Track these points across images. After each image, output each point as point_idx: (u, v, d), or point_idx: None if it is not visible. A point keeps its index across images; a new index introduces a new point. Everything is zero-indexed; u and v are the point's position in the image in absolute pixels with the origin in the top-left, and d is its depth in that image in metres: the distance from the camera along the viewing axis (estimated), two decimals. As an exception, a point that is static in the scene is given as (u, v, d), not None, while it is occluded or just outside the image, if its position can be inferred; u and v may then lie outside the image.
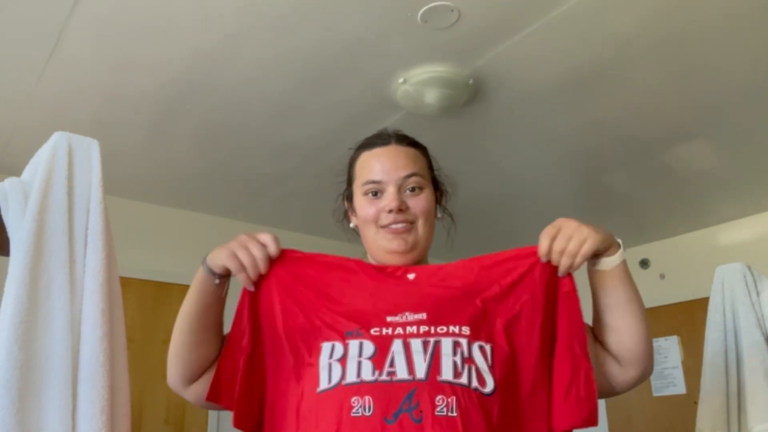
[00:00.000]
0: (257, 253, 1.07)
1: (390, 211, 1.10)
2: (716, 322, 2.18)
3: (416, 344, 0.93)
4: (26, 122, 2.72)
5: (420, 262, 1.15)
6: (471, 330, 0.95)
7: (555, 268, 1.00)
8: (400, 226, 1.10)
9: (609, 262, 1.01)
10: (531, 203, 3.89)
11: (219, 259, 1.05)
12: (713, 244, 4.34)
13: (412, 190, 1.12)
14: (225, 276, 1.05)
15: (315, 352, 0.98)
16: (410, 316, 0.97)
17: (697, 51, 2.41)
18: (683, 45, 2.37)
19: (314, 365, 0.96)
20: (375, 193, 1.12)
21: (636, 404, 4.59)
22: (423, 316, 0.97)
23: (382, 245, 1.12)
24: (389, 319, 0.97)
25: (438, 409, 0.87)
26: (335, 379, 0.93)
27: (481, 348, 0.94)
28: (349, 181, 1.22)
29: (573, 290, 1.00)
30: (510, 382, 0.94)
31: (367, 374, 0.91)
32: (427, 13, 2.13)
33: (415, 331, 0.95)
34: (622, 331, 1.03)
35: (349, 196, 1.22)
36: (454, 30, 2.23)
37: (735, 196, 3.92)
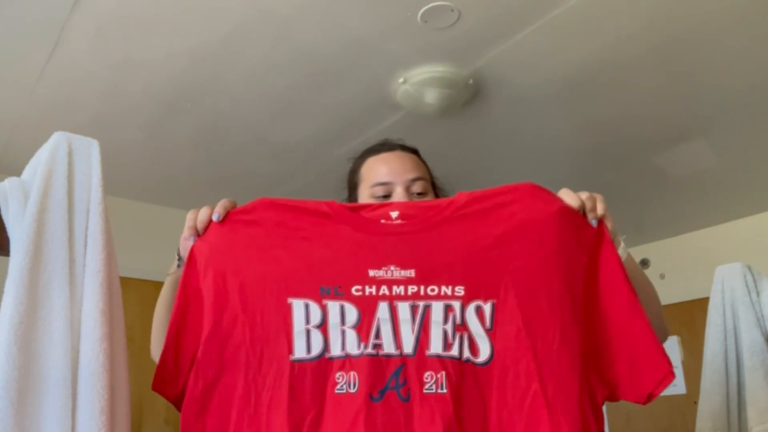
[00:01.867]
0: (201, 215, 1.06)
1: None
2: (716, 322, 2.17)
3: (404, 310, 0.86)
4: (26, 122, 2.72)
5: None
6: (466, 289, 0.87)
7: (574, 214, 0.93)
8: None
9: (622, 250, 1.00)
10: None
11: (182, 243, 1.08)
12: (713, 244, 4.34)
13: (419, 194, 1.15)
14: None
15: (282, 309, 0.88)
16: (396, 272, 0.88)
17: (696, 51, 2.41)
18: (683, 45, 2.37)
19: (283, 326, 0.87)
20: (383, 196, 1.14)
21: (636, 404, 4.59)
22: (411, 273, 0.88)
23: None
24: (372, 273, 0.88)
25: (427, 386, 0.83)
26: (316, 350, 0.86)
27: (478, 309, 0.87)
28: (352, 188, 1.25)
29: (605, 236, 0.94)
30: (518, 344, 0.86)
31: (353, 347, 0.85)
32: (427, 13, 2.13)
33: (402, 293, 0.87)
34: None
35: (353, 201, 1.24)
36: (454, 30, 2.23)
37: (735, 196, 3.91)
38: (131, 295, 3.42)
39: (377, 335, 0.86)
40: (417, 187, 1.15)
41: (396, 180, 1.15)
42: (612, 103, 2.77)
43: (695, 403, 2.22)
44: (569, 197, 0.95)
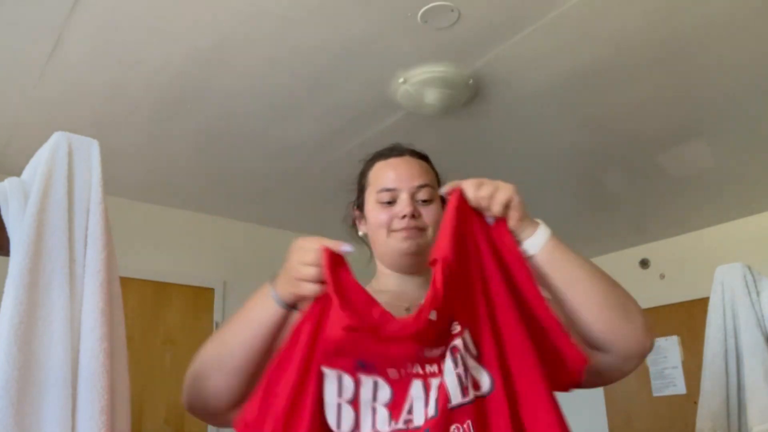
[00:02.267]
0: (313, 276, 0.95)
1: (403, 217, 1.12)
2: (716, 322, 2.18)
3: (434, 383, 0.85)
4: (26, 122, 2.72)
5: (425, 269, 1.15)
6: (460, 323, 0.88)
7: (468, 211, 0.97)
8: (413, 231, 1.13)
9: (534, 243, 0.98)
10: (530, 203, 3.88)
11: (285, 290, 1.00)
12: (713, 244, 4.34)
13: (424, 201, 1.15)
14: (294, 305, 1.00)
15: (313, 374, 0.86)
16: (428, 353, 0.86)
17: (696, 51, 2.41)
18: (683, 45, 2.37)
19: (313, 392, 0.85)
20: (389, 202, 1.15)
21: (636, 404, 4.59)
22: (440, 350, 0.87)
23: (394, 247, 1.14)
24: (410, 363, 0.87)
25: None
26: (346, 427, 0.84)
27: (464, 342, 0.86)
28: (361, 190, 1.25)
29: (503, 233, 0.96)
30: (498, 358, 0.86)
31: (383, 425, 0.84)
32: (427, 13, 2.13)
33: (436, 371, 0.86)
34: (584, 312, 0.95)
35: (359, 205, 1.24)
36: (454, 30, 2.23)
37: (735, 196, 3.92)
38: (131, 295, 3.42)
39: (409, 411, 0.85)
40: (422, 195, 1.15)
41: (401, 186, 1.15)
42: (612, 103, 2.77)
43: (695, 403, 2.22)
44: (468, 191, 0.98)
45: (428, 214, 1.15)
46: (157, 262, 3.63)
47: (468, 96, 2.63)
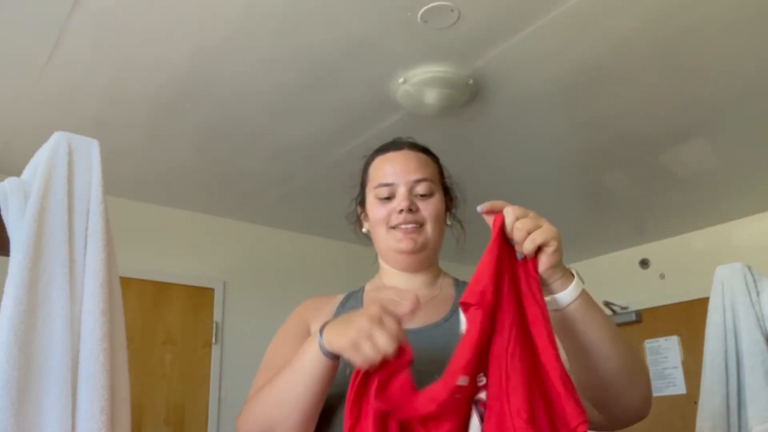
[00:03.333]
0: (381, 349, 0.87)
1: (400, 211, 1.11)
2: (716, 322, 2.17)
3: None
4: (26, 122, 2.72)
5: (429, 266, 1.17)
6: (485, 374, 0.83)
7: (502, 244, 0.89)
8: (410, 226, 1.12)
9: (564, 297, 0.88)
10: (531, 203, 3.88)
11: (339, 345, 0.90)
12: (713, 244, 4.34)
13: (423, 195, 1.14)
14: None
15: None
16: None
17: (697, 51, 2.41)
18: (683, 45, 2.37)
19: None
20: (387, 198, 1.14)
21: (636, 404, 4.59)
22: None
23: (391, 245, 1.14)
24: None
25: None
26: None
27: (476, 403, 0.82)
28: (363, 186, 1.24)
29: (530, 274, 0.87)
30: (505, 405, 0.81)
31: None
32: (427, 13, 2.13)
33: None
34: (598, 372, 0.90)
35: (362, 201, 1.24)
36: (454, 30, 2.23)
37: (735, 196, 3.92)
38: (131, 295, 3.42)
39: None
40: (421, 189, 1.14)
41: (399, 181, 1.14)
42: (612, 103, 2.77)
43: (695, 403, 2.22)
44: (507, 217, 0.89)
45: (427, 208, 1.14)
46: (157, 262, 3.63)
47: (468, 96, 2.63)
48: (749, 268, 2.20)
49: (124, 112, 2.69)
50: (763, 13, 2.20)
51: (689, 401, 4.24)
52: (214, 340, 3.66)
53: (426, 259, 1.16)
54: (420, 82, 2.51)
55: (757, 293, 2.14)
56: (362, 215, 1.25)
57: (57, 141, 1.08)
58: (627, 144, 3.17)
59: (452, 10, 2.12)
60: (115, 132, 2.84)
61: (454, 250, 1.31)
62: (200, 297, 3.72)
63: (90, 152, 1.11)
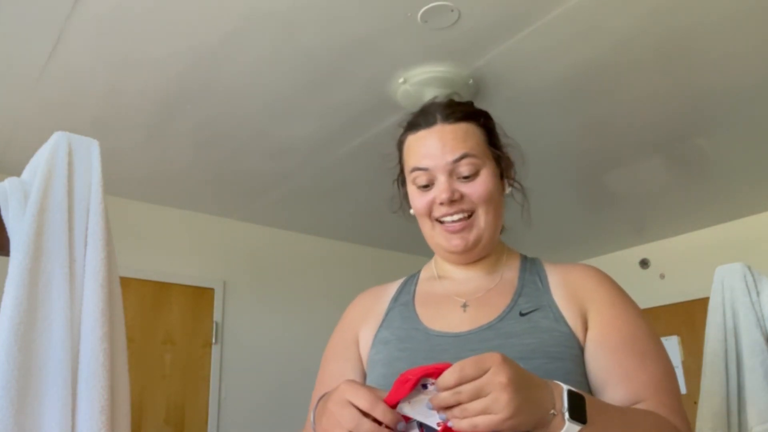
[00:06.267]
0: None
1: (442, 204, 0.97)
2: (716, 322, 2.17)
3: None
4: (26, 122, 2.72)
5: (488, 254, 1.04)
6: None
7: None
8: (456, 218, 0.98)
9: None
10: (531, 203, 3.89)
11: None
12: (713, 244, 4.34)
13: (466, 177, 0.98)
14: None
15: None
16: None
17: (696, 52, 2.41)
18: (683, 46, 2.37)
19: None
20: (426, 185, 0.99)
21: (636, 404, 4.60)
22: None
23: (440, 244, 1.01)
24: None
25: None
26: None
27: None
28: (401, 168, 1.09)
29: None
30: None
31: None
32: (427, 13, 2.13)
33: None
34: None
35: (403, 181, 1.08)
36: (454, 30, 2.24)
37: (735, 196, 3.92)
38: (131, 295, 3.42)
39: None
40: (463, 169, 0.97)
41: (435, 165, 0.97)
42: (612, 102, 2.77)
43: (695, 403, 2.22)
44: (440, 382, 0.71)
45: (474, 190, 0.98)
46: (157, 262, 3.63)
47: (468, 96, 2.63)
48: (749, 268, 2.20)
49: (123, 113, 2.69)
50: (763, 13, 2.20)
51: (689, 401, 4.23)
52: (214, 340, 3.66)
53: (483, 250, 1.02)
54: (420, 82, 2.51)
55: (757, 293, 2.13)
56: (405, 197, 1.09)
57: (57, 141, 1.08)
58: (627, 144, 3.17)
59: (452, 10, 2.13)
60: (115, 132, 2.84)
61: (519, 224, 1.14)
62: (200, 297, 3.73)
63: (90, 152, 1.12)
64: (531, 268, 1.05)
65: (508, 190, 1.08)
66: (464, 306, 0.99)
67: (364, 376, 1.01)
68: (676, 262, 4.53)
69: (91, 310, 1.00)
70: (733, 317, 2.14)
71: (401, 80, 2.53)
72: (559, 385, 0.75)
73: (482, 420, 0.68)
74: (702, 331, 2.23)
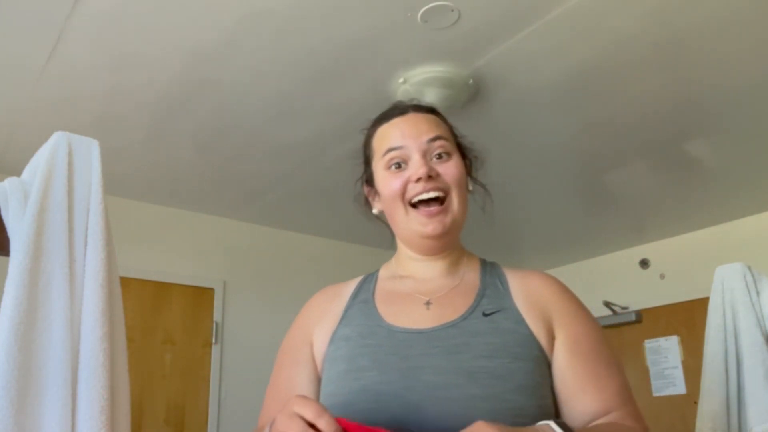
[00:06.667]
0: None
1: (418, 180, 0.97)
2: (716, 322, 2.17)
3: None
4: (26, 122, 2.72)
5: (454, 246, 1.05)
6: None
7: None
8: (432, 196, 0.97)
9: None
10: (531, 203, 3.90)
11: None
12: (713, 244, 4.34)
13: (440, 156, 1.00)
14: None
15: None
16: None
17: (696, 51, 2.41)
18: (683, 45, 2.37)
19: None
20: (399, 165, 0.99)
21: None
22: None
23: (415, 230, 1.00)
24: None
25: None
26: None
27: None
28: (367, 162, 1.10)
29: None
30: None
31: None
32: (427, 13, 2.13)
33: None
34: None
35: (368, 179, 1.10)
36: (454, 30, 2.24)
37: (735, 196, 3.92)
38: (131, 295, 3.42)
39: None
40: (437, 148, 1.00)
41: (410, 144, 0.99)
42: (612, 103, 2.77)
43: (695, 403, 2.22)
44: None
45: (448, 171, 1.00)
46: (157, 262, 3.63)
47: (468, 96, 2.63)
48: (749, 268, 2.20)
49: (124, 113, 2.69)
50: (763, 14, 2.20)
51: (689, 401, 4.24)
52: (214, 340, 3.66)
53: (452, 238, 1.03)
54: (420, 82, 2.51)
55: (757, 293, 2.13)
56: (370, 195, 1.10)
57: (57, 141, 1.08)
58: (627, 144, 3.17)
59: (452, 10, 2.13)
60: (115, 132, 2.84)
61: (478, 226, 1.18)
62: (200, 297, 3.72)
63: (90, 152, 1.12)
64: (491, 271, 1.06)
65: (471, 186, 1.09)
66: (427, 304, 0.99)
67: (318, 379, 1.00)
68: (676, 262, 4.53)
69: (91, 310, 1.00)
70: (733, 317, 2.14)
71: (401, 80, 2.53)
72: (546, 424, 0.78)
73: None
74: (702, 331, 2.23)
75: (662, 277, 4.60)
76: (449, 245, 1.04)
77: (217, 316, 3.73)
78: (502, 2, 2.10)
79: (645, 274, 4.70)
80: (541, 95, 2.69)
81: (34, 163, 1.09)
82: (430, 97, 2.56)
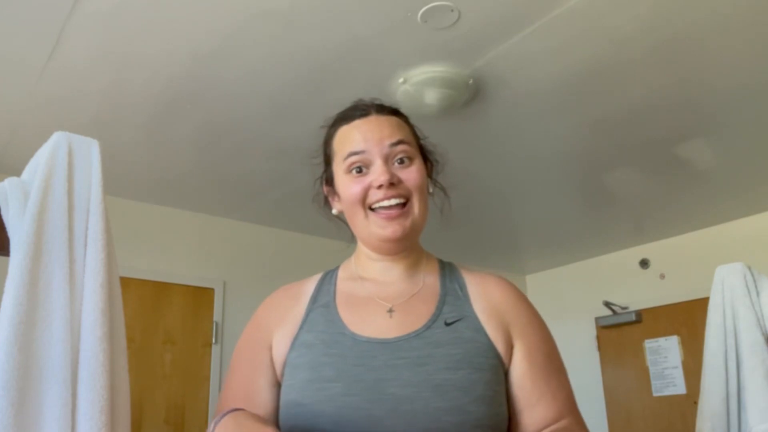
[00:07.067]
0: None
1: (380, 187, 0.96)
2: (716, 322, 2.17)
3: None
4: (26, 122, 2.72)
5: (413, 248, 1.05)
6: None
7: None
8: (393, 203, 0.97)
9: None
10: (531, 203, 3.89)
11: None
12: (713, 244, 4.34)
13: (401, 161, 0.98)
14: None
15: None
16: None
17: (696, 51, 2.41)
18: (683, 45, 2.37)
19: None
20: (360, 169, 0.98)
21: (636, 404, 4.59)
22: None
23: (375, 233, 0.99)
24: None
25: None
26: None
27: None
28: (327, 162, 1.09)
29: None
30: None
31: None
32: (427, 13, 2.13)
33: None
34: None
35: (328, 179, 1.09)
36: (454, 30, 2.24)
37: (735, 196, 3.92)
38: (131, 295, 3.42)
39: None
40: (399, 153, 0.98)
41: (372, 148, 0.97)
42: (612, 102, 2.77)
43: (695, 403, 2.22)
44: None
45: (409, 176, 0.98)
46: (157, 262, 3.63)
47: (468, 96, 2.63)
48: (749, 268, 2.20)
49: (124, 113, 2.69)
50: (763, 14, 2.20)
51: (689, 401, 4.24)
52: (214, 340, 3.66)
53: (412, 241, 1.03)
54: (420, 82, 2.51)
55: (757, 293, 2.13)
56: (330, 195, 1.09)
57: (57, 141, 1.08)
58: (627, 144, 3.17)
59: (452, 10, 2.13)
60: (115, 132, 2.84)
61: (437, 227, 1.16)
62: (200, 297, 3.72)
63: (90, 152, 1.12)
64: (450, 274, 1.06)
65: (431, 189, 1.07)
66: (390, 311, 0.98)
67: (277, 384, 0.99)
68: (676, 262, 4.53)
69: (91, 310, 1.00)
70: (733, 317, 2.14)
71: (401, 80, 2.53)
72: None
73: None
74: (702, 331, 2.23)
75: (662, 277, 4.60)
76: (408, 247, 1.03)
77: (217, 316, 3.73)
78: (502, 2, 2.10)
79: (645, 274, 4.70)
80: (541, 95, 2.69)
81: (34, 163, 1.09)
82: (430, 97, 2.56)
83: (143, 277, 3.52)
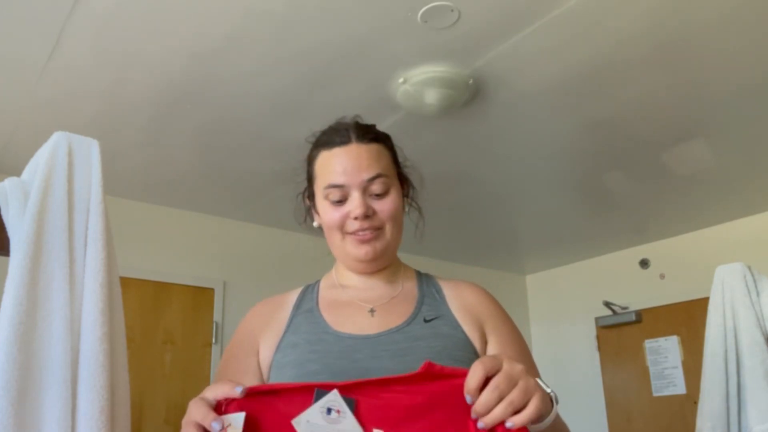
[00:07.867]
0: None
1: (356, 218, 1.03)
2: (716, 322, 2.17)
3: None
4: (26, 122, 2.72)
5: (389, 264, 1.11)
6: None
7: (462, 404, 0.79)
8: (367, 233, 1.04)
9: (544, 422, 0.81)
10: (531, 203, 3.89)
11: None
12: (713, 244, 4.34)
13: (378, 195, 1.05)
14: None
15: None
16: None
17: (696, 51, 2.41)
18: (683, 45, 2.37)
19: None
20: (339, 201, 1.05)
21: (636, 404, 4.59)
22: None
23: (349, 252, 1.06)
24: None
25: None
26: None
27: None
28: (309, 179, 1.15)
29: None
30: None
31: None
32: (427, 13, 2.13)
33: None
34: None
35: (310, 195, 1.15)
36: (454, 30, 2.24)
37: (735, 196, 3.92)
38: (131, 295, 3.42)
39: None
40: (375, 188, 1.04)
41: (351, 182, 1.03)
42: (612, 103, 2.77)
43: (695, 403, 2.23)
44: (472, 376, 0.77)
45: (384, 207, 1.04)
46: (157, 262, 3.63)
47: (468, 96, 2.63)
48: (749, 268, 2.20)
49: (124, 113, 2.69)
50: (763, 14, 2.20)
51: (689, 401, 4.24)
52: (214, 340, 3.66)
53: (386, 260, 1.10)
54: (420, 82, 2.51)
55: (757, 293, 2.14)
56: (313, 208, 1.15)
57: (57, 141, 1.08)
58: (627, 144, 3.17)
59: (452, 10, 2.13)
60: (115, 132, 2.84)
61: (413, 239, 1.22)
62: (200, 297, 3.73)
63: (90, 152, 1.12)
64: (427, 281, 1.13)
65: (407, 209, 1.15)
66: (371, 311, 1.05)
67: None
68: (676, 262, 4.53)
69: (91, 310, 1.00)
70: (733, 317, 2.14)
71: (401, 80, 2.53)
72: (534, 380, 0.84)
73: (528, 410, 0.75)
74: (702, 331, 2.23)
75: (662, 277, 4.60)
76: (383, 264, 1.10)
77: (217, 316, 3.73)
78: (502, 2, 2.10)
79: (645, 274, 4.70)
80: (541, 95, 2.69)
81: (34, 163, 1.09)
82: (430, 97, 2.56)
83: (143, 277, 3.52)
